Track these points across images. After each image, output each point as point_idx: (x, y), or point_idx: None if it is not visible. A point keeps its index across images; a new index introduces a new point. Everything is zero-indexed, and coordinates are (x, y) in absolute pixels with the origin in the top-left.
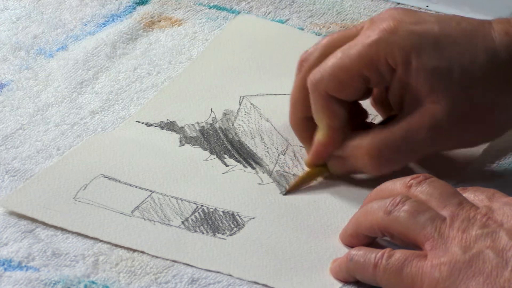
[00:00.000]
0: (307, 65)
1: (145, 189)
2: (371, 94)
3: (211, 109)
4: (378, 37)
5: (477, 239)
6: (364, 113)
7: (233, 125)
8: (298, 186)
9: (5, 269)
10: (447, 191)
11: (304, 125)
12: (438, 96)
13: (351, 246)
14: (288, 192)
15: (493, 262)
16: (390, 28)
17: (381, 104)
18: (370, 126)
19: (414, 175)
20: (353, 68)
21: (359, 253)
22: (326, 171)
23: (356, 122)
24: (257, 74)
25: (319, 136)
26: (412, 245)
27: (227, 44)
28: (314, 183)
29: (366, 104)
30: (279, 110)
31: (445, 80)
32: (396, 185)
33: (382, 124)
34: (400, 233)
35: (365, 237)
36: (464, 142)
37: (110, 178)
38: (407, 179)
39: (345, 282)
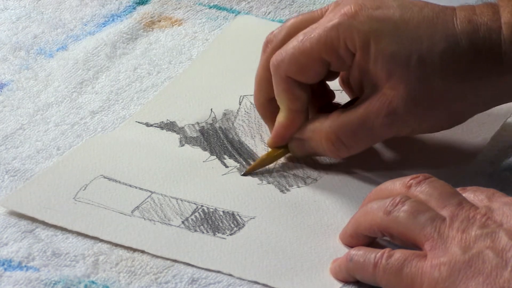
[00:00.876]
0: (271, 46)
1: (145, 189)
2: (338, 75)
3: (211, 109)
4: (338, 21)
5: (476, 239)
6: (331, 94)
7: (233, 124)
8: (258, 167)
9: (5, 269)
10: (447, 191)
11: (268, 106)
12: (396, 82)
13: (351, 246)
14: (247, 172)
15: (493, 262)
16: (350, 13)
17: (349, 85)
18: (336, 107)
19: (414, 175)
20: (313, 52)
21: (359, 253)
22: (287, 152)
23: (322, 103)
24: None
25: (280, 117)
26: (412, 245)
27: (227, 45)
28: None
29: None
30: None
31: (403, 67)
32: (395, 185)
33: (346, 106)
34: (400, 233)
35: (365, 237)
36: (422, 128)
37: (110, 179)
38: (406, 179)
39: (345, 282)
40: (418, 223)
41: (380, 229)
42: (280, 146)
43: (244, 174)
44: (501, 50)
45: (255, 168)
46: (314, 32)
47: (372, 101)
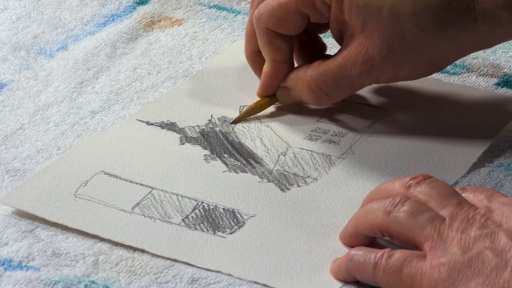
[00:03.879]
0: (256, 1)
1: (145, 185)
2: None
3: (211, 115)
4: None
5: (476, 240)
6: (322, 46)
7: (233, 129)
8: (247, 115)
9: (5, 269)
10: (446, 191)
11: (256, 57)
12: (370, 31)
13: (351, 246)
14: (236, 120)
15: (492, 263)
16: None
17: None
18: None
19: (413, 175)
20: (290, 4)
21: (359, 253)
22: (275, 101)
23: (313, 53)
24: (256, 86)
25: (265, 68)
26: (412, 245)
27: (225, 64)
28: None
29: None
30: (279, 118)
31: (376, 16)
32: (395, 185)
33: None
34: (400, 233)
35: (364, 237)
36: (399, 75)
37: (110, 175)
38: (406, 179)
39: (345, 282)
40: (417, 223)
41: (380, 229)
42: (267, 95)
43: (233, 122)
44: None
45: (244, 117)
46: None
47: (349, 50)
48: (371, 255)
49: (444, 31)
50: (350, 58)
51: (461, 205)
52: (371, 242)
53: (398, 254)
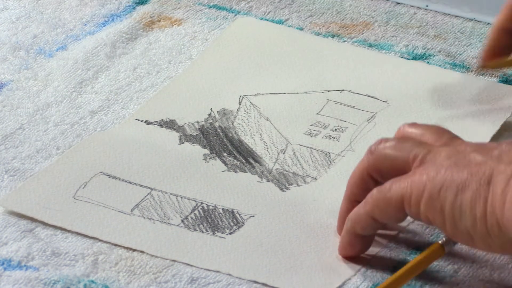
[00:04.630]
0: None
1: (145, 186)
2: None
3: (211, 108)
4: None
5: (465, 147)
6: None
7: (232, 124)
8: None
9: (5, 269)
10: (440, 128)
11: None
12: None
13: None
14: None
15: (478, 158)
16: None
17: None
18: None
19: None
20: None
21: (353, 212)
22: None
23: None
24: (256, 74)
25: None
26: (403, 172)
27: (227, 46)
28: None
29: None
30: (278, 109)
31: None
32: None
33: None
34: (388, 166)
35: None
36: None
37: (110, 176)
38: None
39: (356, 256)
40: (404, 149)
41: (369, 171)
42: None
43: (481, 67)
44: None
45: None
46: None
47: None
48: (365, 199)
49: None
50: None
51: (455, 138)
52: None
53: (388, 183)
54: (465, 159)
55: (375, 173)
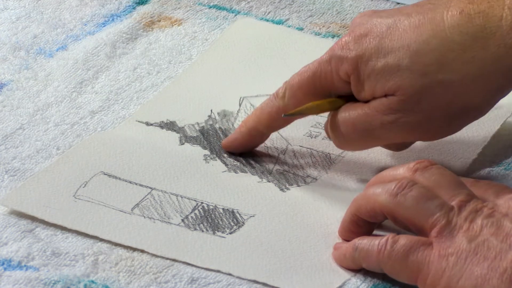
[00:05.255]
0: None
1: (145, 186)
2: None
3: (211, 110)
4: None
5: (482, 228)
6: None
7: (233, 125)
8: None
9: (5, 269)
10: (455, 180)
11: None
12: (392, 88)
13: (348, 236)
14: (289, 114)
15: (497, 248)
16: (340, 45)
17: None
18: None
19: (419, 160)
20: (309, 90)
21: (363, 241)
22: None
23: None
24: (256, 75)
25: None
26: (417, 230)
27: (227, 47)
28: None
29: None
30: None
31: (395, 74)
32: (399, 170)
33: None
34: (406, 218)
35: (364, 223)
36: (429, 132)
37: (110, 175)
38: (411, 164)
39: (350, 269)
40: (426, 209)
41: (384, 211)
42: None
43: (286, 115)
44: (501, 36)
45: (298, 112)
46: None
47: (374, 102)
48: (375, 241)
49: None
50: (374, 107)
51: (470, 196)
52: (370, 231)
53: (403, 240)
54: (484, 246)
55: (389, 215)
